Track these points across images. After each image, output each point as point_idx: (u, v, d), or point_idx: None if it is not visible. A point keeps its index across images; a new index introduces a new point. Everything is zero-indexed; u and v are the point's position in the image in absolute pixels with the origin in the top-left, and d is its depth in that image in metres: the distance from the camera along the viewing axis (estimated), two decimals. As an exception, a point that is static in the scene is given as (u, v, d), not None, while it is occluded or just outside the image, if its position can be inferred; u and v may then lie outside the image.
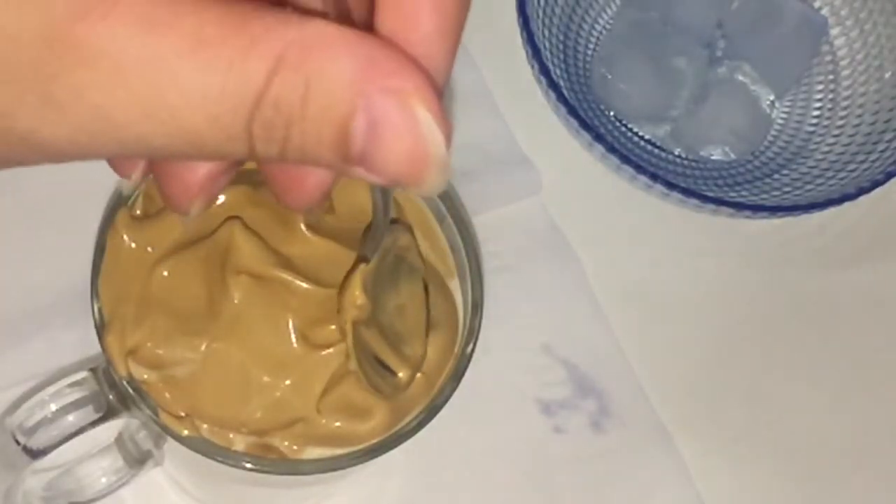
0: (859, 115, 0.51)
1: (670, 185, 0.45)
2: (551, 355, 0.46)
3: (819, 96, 0.53)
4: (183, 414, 0.31)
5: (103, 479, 0.38)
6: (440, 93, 0.19)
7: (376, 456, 0.32)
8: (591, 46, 0.53)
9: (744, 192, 0.49)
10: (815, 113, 0.53)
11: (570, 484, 0.44)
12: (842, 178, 0.49)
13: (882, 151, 0.49)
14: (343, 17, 0.20)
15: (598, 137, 0.46)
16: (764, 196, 0.49)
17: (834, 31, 0.53)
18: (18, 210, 0.45)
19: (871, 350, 0.49)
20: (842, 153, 0.51)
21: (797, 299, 0.49)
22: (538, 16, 0.49)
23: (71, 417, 0.32)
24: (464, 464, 0.44)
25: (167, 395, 0.31)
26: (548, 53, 0.49)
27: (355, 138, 0.18)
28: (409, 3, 0.20)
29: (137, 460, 0.38)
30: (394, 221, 0.32)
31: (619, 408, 0.46)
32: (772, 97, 0.52)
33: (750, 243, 0.50)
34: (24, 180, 0.45)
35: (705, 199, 0.45)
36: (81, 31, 0.18)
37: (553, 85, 0.46)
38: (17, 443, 0.32)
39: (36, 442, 0.32)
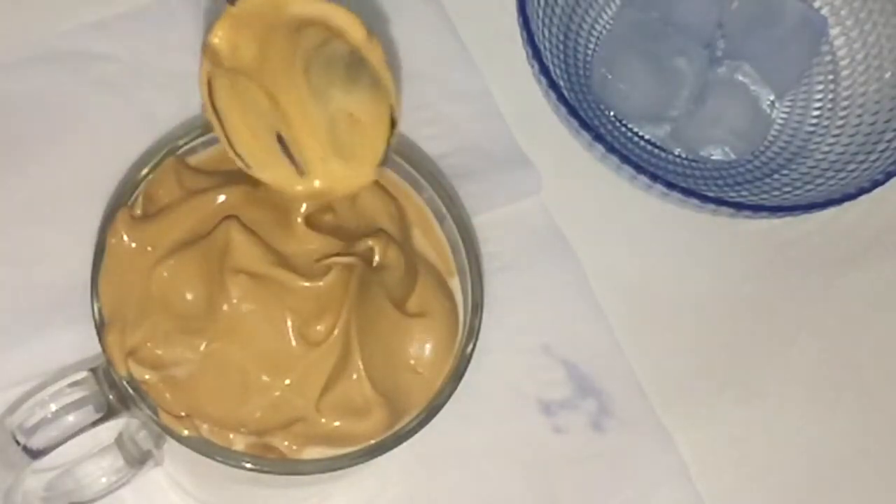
0: (859, 115, 0.51)
1: (670, 185, 0.45)
2: (551, 355, 0.46)
3: (819, 96, 0.53)
4: (183, 414, 0.31)
5: (103, 479, 0.38)
6: None
7: (376, 456, 0.32)
8: (591, 46, 0.53)
9: (744, 192, 0.49)
10: (815, 113, 0.53)
11: (570, 484, 0.44)
12: (842, 178, 0.49)
13: (882, 151, 0.49)
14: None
15: (598, 137, 0.46)
16: (764, 196, 0.49)
17: (834, 31, 0.53)
18: (19, 209, 0.45)
19: (871, 350, 0.49)
20: (842, 153, 0.50)
21: (797, 299, 0.49)
22: (538, 16, 0.49)
23: (71, 417, 0.32)
24: (464, 464, 0.44)
25: (167, 395, 0.32)
26: (548, 53, 0.49)
27: None
28: None
29: (137, 460, 0.38)
30: None
31: (619, 408, 0.46)
32: (772, 97, 0.52)
33: (750, 243, 0.50)
34: (24, 179, 0.45)
35: (705, 199, 0.45)
36: None
37: (553, 85, 0.46)
38: (17, 443, 0.32)
39: (36, 442, 0.32)
